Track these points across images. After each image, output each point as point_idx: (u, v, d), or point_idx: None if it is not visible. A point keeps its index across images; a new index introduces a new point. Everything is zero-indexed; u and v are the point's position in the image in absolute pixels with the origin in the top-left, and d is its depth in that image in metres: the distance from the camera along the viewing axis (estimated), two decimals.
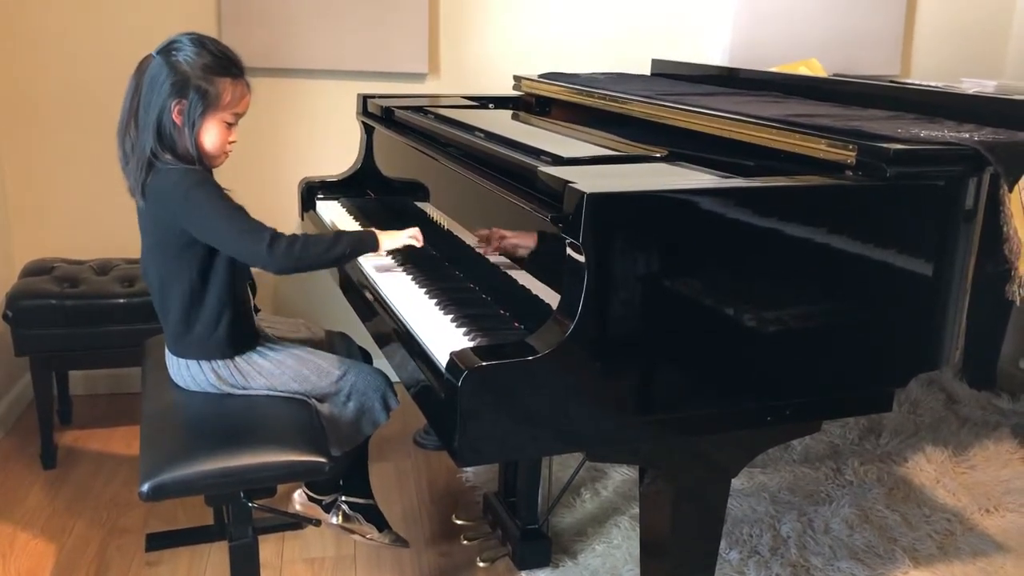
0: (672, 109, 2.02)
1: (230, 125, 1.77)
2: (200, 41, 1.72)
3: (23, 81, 2.88)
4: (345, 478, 2.09)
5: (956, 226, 1.55)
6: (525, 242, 1.64)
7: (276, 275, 1.85)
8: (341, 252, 1.78)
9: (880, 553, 2.29)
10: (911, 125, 1.75)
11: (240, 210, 1.71)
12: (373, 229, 1.89)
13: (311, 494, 2.09)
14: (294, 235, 1.72)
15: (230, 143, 1.79)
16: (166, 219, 1.72)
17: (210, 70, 1.71)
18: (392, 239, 1.89)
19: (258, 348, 1.87)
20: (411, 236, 1.90)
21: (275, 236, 1.69)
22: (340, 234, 1.80)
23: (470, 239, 1.91)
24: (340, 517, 2.09)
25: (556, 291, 1.50)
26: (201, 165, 1.75)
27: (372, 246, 1.84)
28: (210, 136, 1.74)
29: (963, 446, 2.87)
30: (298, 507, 2.09)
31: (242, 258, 1.74)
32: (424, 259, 2.05)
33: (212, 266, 1.76)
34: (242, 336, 1.85)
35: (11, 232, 2.99)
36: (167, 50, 1.71)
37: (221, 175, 1.83)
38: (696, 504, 1.61)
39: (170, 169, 1.70)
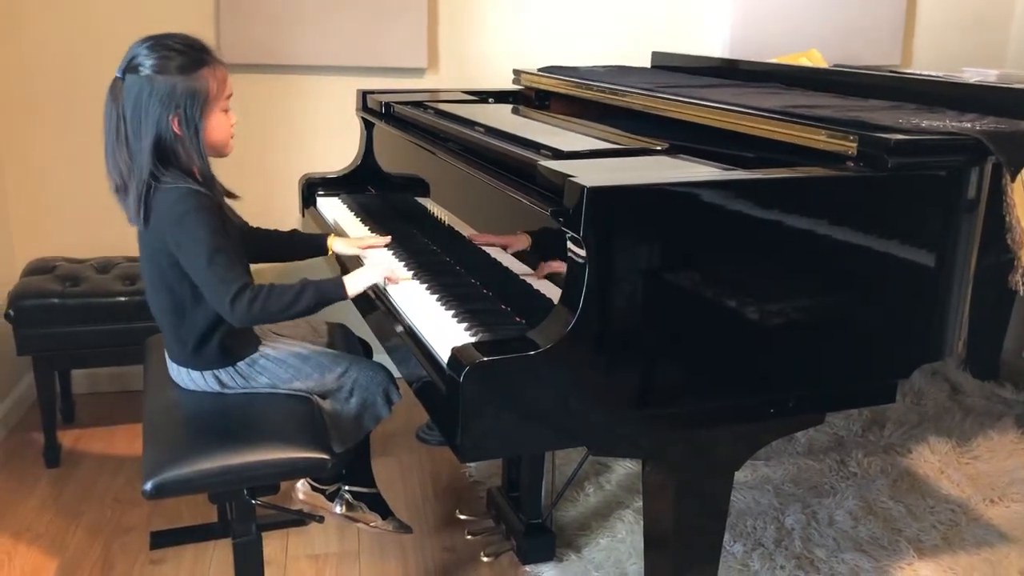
0: (672, 102, 2.01)
1: (227, 110, 1.75)
2: (159, 44, 1.67)
3: (23, 80, 2.88)
4: (348, 468, 2.09)
5: (958, 216, 1.55)
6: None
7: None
8: (304, 307, 1.70)
9: (885, 544, 2.29)
10: (912, 115, 1.75)
11: (222, 252, 1.65)
12: (340, 276, 1.79)
13: (314, 484, 2.09)
14: (259, 289, 1.66)
15: (232, 125, 1.77)
16: (159, 236, 1.69)
17: (187, 68, 1.66)
18: (360, 279, 1.78)
19: (258, 348, 1.87)
20: (383, 275, 1.80)
21: (239, 292, 1.64)
22: (304, 288, 1.71)
23: (470, 234, 1.90)
24: (344, 506, 2.09)
25: (557, 286, 1.50)
26: (206, 173, 1.72)
27: (338, 294, 1.75)
28: (216, 130, 1.72)
29: (967, 437, 2.87)
30: (301, 497, 2.09)
31: (207, 298, 1.70)
32: (425, 254, 2.04)
33: None
34: (239, 345, 1.84)
35: (12, 231, 2.99)
36: (133, 67, 1.65)
37: (224, 172, 1.82)
38: (700, 497, 1.61)
39: (171, 188, 1.66)
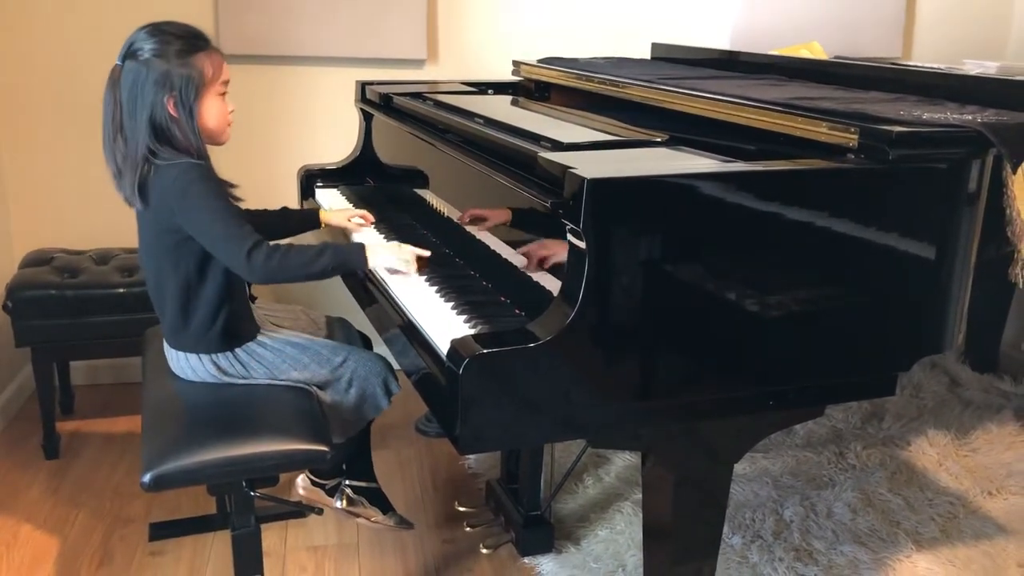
0: (672, 93, 2.01)
1: (223, 95, 1.77)
2: (157, 30, 1.70)
3: (21, 72, 2.87)
4: (348, 462, 2.09)
5: (959, 209, 1.54)
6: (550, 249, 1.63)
7: (255, 284, 1.83)
8: (322, 267, 1.71)
9: (883, 537, 2.29)
10: (913, 107, 1.74)
11: (231, 213, 1.68)
12: (363, 242, 1.80)
13: (314, 479, 2.09)
14: (276, 246, 1.68)
15: (230, 112, 1.79)
16: (164, 214, 1.70)
17: (183, 53, 1.68)
18: (384, 255, 1.77)
19: (257, 338, 1.86)
20: (406, 260, 1.76)
21: (256, 246, 1.65)
22: (324, 248, 1.72)
23: (470, 224, 1.90)
24: (344, 501, 2.09)
25: (557, 278, 1.49)
26: (203, 154, 1.73)
27: (358, 263, 1.76)
28: (210, 114, 1.74)
29: (966, 429, 2.87)
30: (301, 491, 2.09)
31: (223, 261, 1.72)
32: (425, 246, 2.04)
33: (208, 262, 1.74)
34: (240, 329, 1.84)
35: (10, 223, 2.99)
36: (131, 53, 1.68)
37: (222, 163, 1.81)
38: (699, 489, 1.61)
39: (171, 164, 1.68)
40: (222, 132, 1.78)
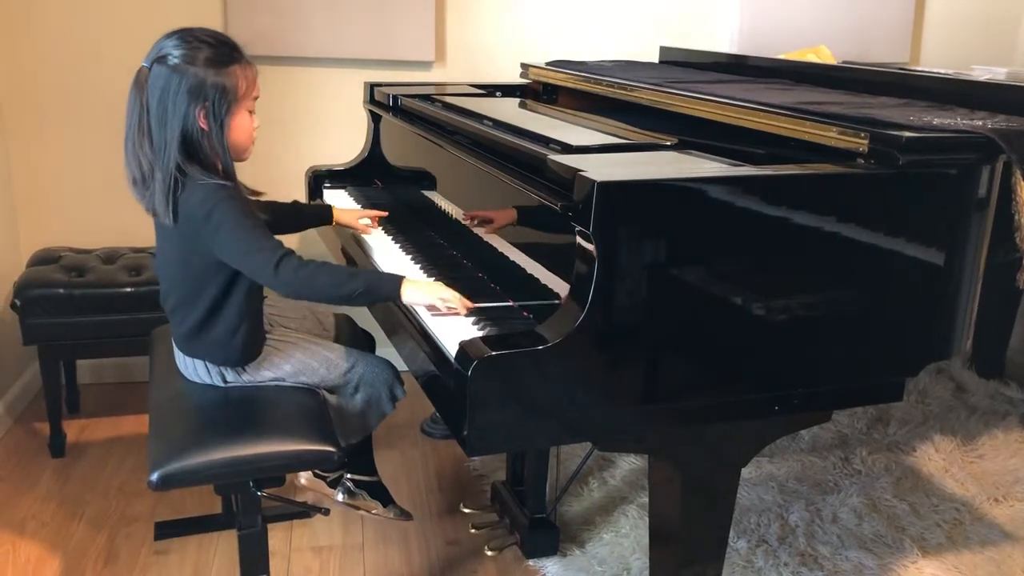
0: (681, 97, 2.01)
1: (251, 111, 1.73)
2: (189, 35, 1.63)
3: (29, 71, 2.88)
4: (350, 456, 2.09)
5: (968, 214, 1.54)
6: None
7: (282, 296, 1.78)
8: (351, 291, 1.61)
9: (888, 542, 2.29)
10: (923, 112, 1.74)
11: (257, 228, 1.63)
12: (402, 276, 1.65)
13: (317, 471, 2.09)
14: (308, 261, 1.62)
15: (255, 129, 1.74)
16: (190, 238, 1.66)
17: (218, 63, 1.63)
18: (423, 293, 1.61)
19: (267, 343, 1.86)
20: (446, 300, 1.58)
21: (284, 257, 1.60)
22: (357, 272, 1.63)
23: (477, 227, 1.90)
24: (345, 494, 2.10)
25: (565, 280, 1.49)
26: (229, 170, 1.70)
27: (391, 294, 1.63)
28: (239, 129, 1.69)
29: (972, 435, 2.86)
30: (303, 482, 2.10)
31: (251, 275, 1.67)
32: (431, 248, 2.04)
33: (233, 286, 1.72)
34: (254, 344, 1.83)
35: (18, 221, 3.00)
36: (162, 58, 1.61)
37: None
38: (705, 493, 1.61)
39: (199, 185, 1.63)
40: (245, 149, 1.73)
